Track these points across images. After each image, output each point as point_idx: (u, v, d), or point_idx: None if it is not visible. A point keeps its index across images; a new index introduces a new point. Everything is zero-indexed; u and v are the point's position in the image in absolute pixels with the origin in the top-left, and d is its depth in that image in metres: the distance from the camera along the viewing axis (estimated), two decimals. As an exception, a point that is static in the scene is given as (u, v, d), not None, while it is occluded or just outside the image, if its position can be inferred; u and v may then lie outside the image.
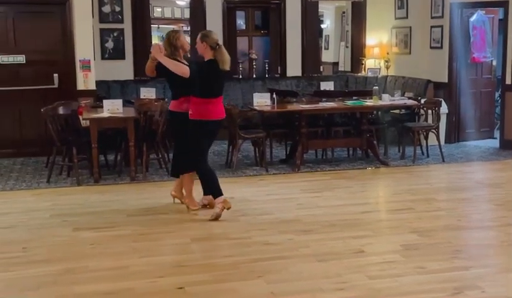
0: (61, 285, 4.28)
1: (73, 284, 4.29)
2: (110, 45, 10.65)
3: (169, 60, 5.90)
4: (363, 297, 4.02)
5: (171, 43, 6.02)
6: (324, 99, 8.97)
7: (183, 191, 6.34)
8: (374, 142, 8.59)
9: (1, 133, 8.79)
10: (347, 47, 13.39)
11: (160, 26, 15.43)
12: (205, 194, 6.27)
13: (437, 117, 8.73)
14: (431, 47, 10.29)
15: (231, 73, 11.51)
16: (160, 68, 5.96)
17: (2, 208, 6.19)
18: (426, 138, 8.94)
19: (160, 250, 5.07)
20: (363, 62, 12.23)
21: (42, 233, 5.49)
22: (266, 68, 12.10)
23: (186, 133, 6.00)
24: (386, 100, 8.64)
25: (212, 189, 6.08)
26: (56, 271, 4.53)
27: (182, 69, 5.87)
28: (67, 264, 4.69)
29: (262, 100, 8.43)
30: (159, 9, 15.14)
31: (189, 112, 5.93)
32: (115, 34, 10.66)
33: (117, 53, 10.63)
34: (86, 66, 8.70)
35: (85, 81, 8.58)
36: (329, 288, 4.11)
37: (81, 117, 7.47)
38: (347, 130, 8.90)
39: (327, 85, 10.41)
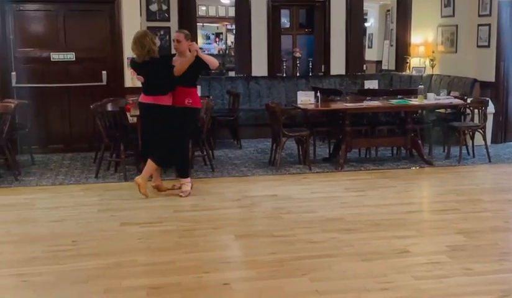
0: (110, 279, 4.37)
1: (121, 278, 4.37)
2: (156, 42, 10.78)
3: (205, 55, 6.85)
4: (408, 297, 4.00)
5: (155, 43, 6.62)
6: (368, 98, 8.92)
7: (144, 176, 6.68)
8: (419, 141, 8.51)
9: (51, 129, 9.01)
10: (391, 45, 13.30)
11: (205, 24, 15.57)
12: (182, 176, 6.82)
13: (484, 117, 8.61)
14: (478, 46, 10.13)
15: (275, 71, 11.68)
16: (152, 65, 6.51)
17: (52, 202, 6.35)
18: (472, 138, 8.82)
19: (205, 246, 5.12)
20: (408, 60, 12.14)
21: (91, 227, 5.61)
22: (310, 66, 12.12)
23: (173, 124, 6.58)
24: (431, 99, 8.55)
25: (188, 171, 6.90)
26: (105, 265, 4.62)
27: (215, 62, 6.75)
28: (115, 258, 4.78)
29: (306, 99, 8.43)
30: (203, 8, 15.28)
31: (189, 101, 6.58)
32: (161, 32, 10.83)
33: (164, 51, 10.74)
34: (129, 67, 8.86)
35: (132, 79, 8.68)
36: (373, 288, 4.11)
37: (128, 114, 7.59)
38: (391, 129, 8.84)
39: (371, 84, 10.35)
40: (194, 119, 6.86)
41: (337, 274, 4.39)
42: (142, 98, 6.62)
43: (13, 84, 8.75)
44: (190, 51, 6.46)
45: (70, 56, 8.86)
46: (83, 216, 5.98)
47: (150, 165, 6.59)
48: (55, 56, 8.85)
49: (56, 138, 8.99)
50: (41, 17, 8.91)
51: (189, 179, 6.80)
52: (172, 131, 6.59)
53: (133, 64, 6.78)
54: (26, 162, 8.30)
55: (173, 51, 7.21)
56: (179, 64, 6.46)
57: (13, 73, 8.77)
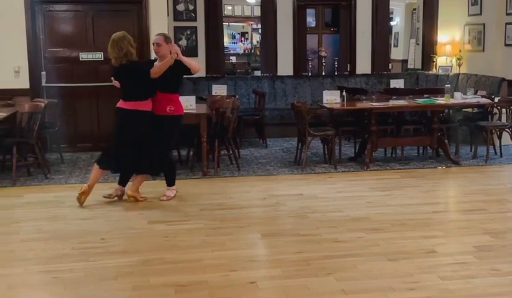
0: (138, 276, 4.42)
1: (149, 275, 4.42)
2: (183, 42, 10.91)
3: (187, 58, 6.50)
4: (435, 297, 4.00)
5: (133, 46, 6.38)
6: (394, 97, 8.91)
7: (131, 188, 6.53)
8: (446, 141, 8.47)
9: (80, 127, 9.14)
10: (417, 44, 13.22)
11: (230, 24, 15.65)
12: (169, 184, 6.68)
13: (511, 116, 8.54)
14: (506, 44, 10.05)
15: (300, 71, 11.70)
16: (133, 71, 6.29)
17: (86, 201, 6.44)
18: (500, 137, 8.75)
19: (232, 244, 5.16)
20: (434, 59, 12.06)
21: (119, 225, 5.70)
22: (336, 66, 12.10)
23: (154, 132, 6.35)
24: (458, 98, 8.50)
25: (174, 179, 6.71)
26: (133, 262, 4.68)
27: (197, 66, 6.50)
28: (143, 255, 4.84)
29: (332, 98, 8.45)
30: (229, 7, 15.35)
31: (170, 109, 6.36)
32: (188, 32, 10.92)
33: (190, 51, 10.87)
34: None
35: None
36: (400, 287, 4.11)
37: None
38: (417, 129, 8.80)
39: (397, 83, 10.32)
40: (177, 127, 6.55)
41: (362, 274, 4.40)
42: (120, 103, 6.35)
43: (43, 83, 8.90)
44: (170, 53, 6.22)
45: (99, 56, 8.97)
46: (111, 214, 6.07)
47: (143, 177, 6.55)
48: (84, 56, 8.98)
49: (85, 136, 9.12)
50: (70, 18, 9.04)
51: (175, 187, 6.68)
52: (154, 139, 6.37)
53: (113, 68, 6.49)
54: (55, 160, 8.45)
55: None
56: (157, 67, 6.24)
57: (43, 73, 8.92)
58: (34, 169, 7.77)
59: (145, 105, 6.29)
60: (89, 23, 8.98)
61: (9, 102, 7.90)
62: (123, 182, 6.62)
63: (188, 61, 6.41)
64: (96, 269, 4.57)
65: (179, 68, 6.28)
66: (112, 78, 6.50)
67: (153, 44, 6.47)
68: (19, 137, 7.42)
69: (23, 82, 8.63)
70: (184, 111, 7.52)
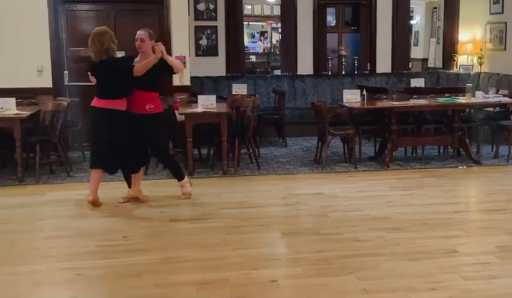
0: (160, 274, 4.45)
1: (171, 273, 4.46)
2: (204, 42, 10.97)
3: (171, 57, 6.49)
4: (457, 297, 3.99)
5: (114, 41, 6.19)
6: (414, 96, 8.88)
7: (132, 188, 6.44)
8: (467, 140, 8.42)
9: (102, 126, 9.19)
10: (438, 43, 13.15)
11: (250, 23, 15.67)
12: (178, 179, 6.56)
13: (534, 116, 8.48)
14: (528, 43, 9.97)
15: (320, 70, 11.69)
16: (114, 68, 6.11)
17: (104, 198, 6.44)
18: (521, 137, 8.67)
19: (252, 243, 5.18)
20: (455, 58, 11.99)
21: (141, 223, 5.75)
22: (356, 65, 12.08)
23: (131, 132, 6.18)
24: (479, 97, 8.45)
25: (181, 172, 6.61)
26: (155, 260, 4.72)
27: (180, 65, 6.49)
28: (165, 253, 4.88)
29: (352, 97, 8.44)
30: (249, 6, 15.38)
31: (150, 107, 6.19)
32: (208, 31, 10.97)
33: (211, 50, 10.94)
34: (182, 62, 8.97)
35: (180, 77, 8.84)
36: (421, 287, 4.10)
37: (176, 112, 7.73)
38: (438, 128, 8.75)
39: (418, 82, 10.27)
40: (159, 125, 6.35)
41: (384, 273, 4.39)
42: (96, 102, 6.12)
43: (66, 82, 8.99)
44: (155, 51, 6.10)
45: (120, 55, 9.02)
46: (133, 212, 6.13)
47: (137, 176, 6.43)
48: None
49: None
50: (92, 17, 9.13)
51: (186, 179, 6.59)
52: (138, 139, 6.23)
53: (90, 63, 6.32)
54: (77, 159, 8.54)
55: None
56: (141, 65, 6.06)
57: (66, 72, 9.01)
58: (57, 167, 7.86)
59: (121, 105, 6.08)
60: (110, 22, 9.01)
61: (32, 100, 8.00)
62: (129, 184, 6.52)
63: (172, 59, 6.34)
64: (118, 267, 4.62)
65: (161, 67, 6.16)
66: (89, 73, 6.28)
67: (137, 39, 6.25)
68: (42, 135, 7.52)
69: (46, 81, 8.74)
70: (204, 110, 7.63)
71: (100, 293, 4.18)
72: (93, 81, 6.21)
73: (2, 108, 7.45)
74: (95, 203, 6.19)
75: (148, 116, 6.19)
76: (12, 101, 7.48)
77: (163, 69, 6.22)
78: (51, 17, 8.73)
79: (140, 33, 6.26)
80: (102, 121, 6.09)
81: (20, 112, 7.37)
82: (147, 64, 6.04)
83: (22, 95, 7.99)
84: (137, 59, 6.26)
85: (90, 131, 6.34)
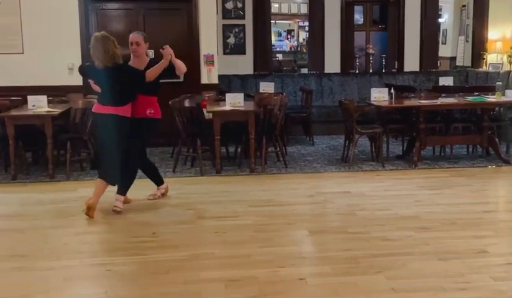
0: (189, 270, 4.48)
1: (200, 270, 4.49)
2: (231, 40, 11.03)
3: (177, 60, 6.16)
4: (487, 298, 3.97)
5: (117, 47, 5.93)
6: (443, 95, 8.81)
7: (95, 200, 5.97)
8: (496, 139, 8.34)
9: (131, 124, 9.29)
10: (466, 41, 13.02)
11: (277, 21, 15.68)
12: (120, 192, 6.14)
13: None
14: (559, 41, 9.82)
15: (348, 68, 11.66)
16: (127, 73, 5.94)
17: (133, 194, 6.48)
18: (552, 136, 8.58)
19: (280, 241, 5.19)
20: (485, 57, 11.86)
21: (170, 220, 5.79)
22: (383, 63, 12.03)
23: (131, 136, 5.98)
24: (509, 96, 8.37)
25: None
26: (184, 257, 4.76)
27: (184, 68, 6.26)
28: (193, 250, 4.92)
29: (380, 95, 8.42)
30: (276, 5, 15.39)
31: (150, 112, 6.08)
32: (236, 30, 11.02)
33: (238, 48, 11.00)
34: (210, 60, 9.06)
35: (208, 75, 8.92)
36: (451, 287, 4.08)
37: (204, 110, 7.78)
38: (467, 127, 8.69)
39: (446, 81, 10.20)
40: (154, 131, 6.27)
41: (413, 273, 4.37)
42: (100, 108, 5.91)
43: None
44: (163, 55, 5.96)
45: (150, 53, 9.09)
46: (162, 209, 6.18)
47: (102, 184, 5.96)
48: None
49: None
50: (122, 16, 9.24)
51: (124, 197, 6.15)
52: (129, 144, 6.01)
53: (88, 70, 6.12)
54: (107, 156, 8.62)
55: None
56: (153, 70, 5.95)
57: (96, 70, 9.11)
58: (87, 165, 7.96)
59: (127, 111, 5.92)
60: (140, 21, 9.15)
61: (63, 98, 8.11)
62: (156, 181, 6.49)
63: (178, 62, 6.13)
64: (148, 263, 4.66)
65: (165, 70, 6.05)
66: (91, 81, 6.10)
67: (131, 43, 6.09)
68: (73, 133, 7.63)
69: (77, 79, 8.82)
70: (232, 108, 7.67)
71: (130, 289, 4.22)
72: (97, 89, 6.00)
73: (34, 105, 7.59)
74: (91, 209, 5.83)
75: (147, 120, 6.07)
76: (43, 99, 7.61)
77: (166, 72, 6.10)
78: (81, 15, 8.86)
79: (136, 37, 6.13)
80: (105, 127, 5.89)
81: (52, 110, 7.50)
82: (159, 68, 5.96)
83: (53, 93, 8.11)
84: (130, 63, 6.15)
85: (99, 139, 6.14)
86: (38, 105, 7.57)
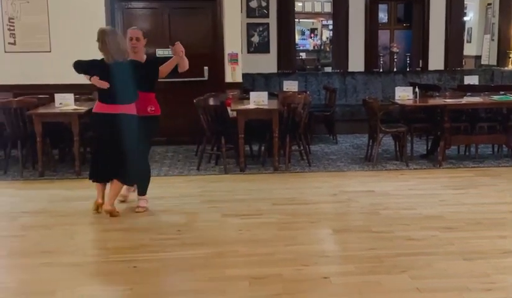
0: (213, 268, 4.51)
1: (224, 267, 4.52)
2: (255, 39, 11.06)
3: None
4: (512, 298, 3.94)
5: (125, 42, 5.78)
6: (468, 94, 8.75)
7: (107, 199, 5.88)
8: (522, 139, 8.27)
9: (155, 122, 9.36)
10: (492, 40, 12.90)
11: (300, 20, 15.67)
12: (140, 193, 6.09)
13: None
14: None
15: (372, 67, 11.62)
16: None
17: (158, 192, 6.61)
18: None
19: (304, 239, 5.21)
20: (511, 55, 11.74)
21: (194, 218, 5.84)
22: (408, 62, 11.97)
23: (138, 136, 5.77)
24: (536, 95, 8.28)
25: (147, 187, 6.14)
26: (208, 254, 4.79)
27: (187, 64, 5.97)
28: (217, 247, 4.95)
29: (404, 94, 8.38)
30: (300, 4, 15.38)
31: (151, 109, 5.92)
32: (260, 28, 11.04)
33: (262, 47, 11.03)
34: (234, 59, 9.09)
35: (232, 74, 8.95)
36: (476, 288, 4.06)
37: (229, 108, 7.82)
38: (492, 126, 8.60)
39: (471, 80, 10.11)
40: (157, 129, 6.14)
41: (437, 273, 4.36)
42: (106, 108, 5.65)
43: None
44: (174, 51, 5.77)
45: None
46: (187, 206, 6.22)
47: (117, 186, 5.83)
48: (160, 53, 9.16)
49: (160, 131, 9.25)
50: (147, 15, 9.33)
51: (147, 196, 6.13)
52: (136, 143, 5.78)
53: (92, 66, 5.75)
54: (132, 153, 8.70)
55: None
56: (166, 66, 5.83)
57: (121, 68, 9.20)
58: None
59: (134, 109, 5.72)
60: (165, 20, 9.22)
61: (90, 96, 8.18)
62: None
63: (185, 60, 5.91)
64: (173, 260, 4.70)
65: (157, 67, 5.90)
66: (95, 78, 5.68)
67: (131, 38, 5.88)
68: (99, 130, 7.69)
69: (103, 78, 8.95)
70: (256, 107, 7.70)
71: (155, 285, 4.25)
72: (104, 85, 5.63)
73: (61, 103, 7.69)
74: (112, 213, 5.83)
75: (148, 118, 5.90)
76: (70, 97, 7.71)
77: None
78: (107, 14, 8.94)
79: (136, 32, 5.96)
80: (114, 127, 5.63)
81: (78, 108, 7.59)
82: (171, 65, 5.85)
83: (80, 91, 8.19)
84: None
85: (111, 141, 5.71)
86: (65, 103, 7.67)
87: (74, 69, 5.85)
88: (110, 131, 5.65)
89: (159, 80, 6.06)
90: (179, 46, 5.77)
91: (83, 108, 7.50)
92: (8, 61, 8.92)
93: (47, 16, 8.82)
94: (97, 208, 5.90)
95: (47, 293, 4.11)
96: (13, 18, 8.89)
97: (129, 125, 5.66)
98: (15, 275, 4.50)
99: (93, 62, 5.77)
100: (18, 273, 4.53)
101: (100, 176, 5.85)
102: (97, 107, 5.73)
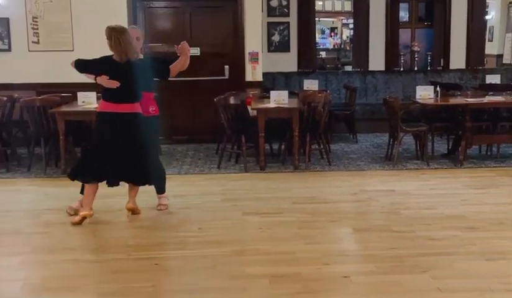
0: (234, 266, 4.54)
1: (244, 265, 4.53)
2: (276, 37, 11.07)
3: None
4: (535, 299, 3.92)
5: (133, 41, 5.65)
6: (490, 93, 8.68)
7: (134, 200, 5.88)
8: (545, 139, 8.19)
9: (177, 121, 9.38)
10: (515, 39, 12.79)
11: (320, 19, 15.63)
12: (159, 191, 6.09)
13: None
14: None
15: (392, 65, 11.58)
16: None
17: (179, 190, 6.66)
18: None
19: (325, 238, 5.22)
20: (533, 54, 11.64)
21: (215, 216, 5.85)
22: (429, 60, 11.90)
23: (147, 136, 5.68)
24: (559, 95, 8.20)
25: (165, 185, 6.12)
26: (229, 252, 4.81)
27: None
28: (238, 246, 4.97)
29: (425, 93, 8.36)
30: (320, 2, 15.34)
31: (152, 109, 5.85)
32: (281, 27, 11.06)
33: (283, 46, 11.04)
34: (255, 58, 9.11)
35: (253, 73, 8.97)
36: (498, 288, 4.04)
37: (249, 107, 7.84)
38: (515, 126, 8.55)
39: (493, 79, 10.04)
40: (159, 129, 6.05)
41: (459, 273, 4.34)
42: (113, 107, 5.50)
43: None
44: (180, 50, 5.70)
45: (195, 51, 9.18)
46: (207, 204, 6.24)
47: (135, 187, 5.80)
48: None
49: (181, 129, 9.40)
50: (169, 14, 9.40)
51: (165, 193, 6.15)
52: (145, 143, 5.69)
53: (101, 64, 5.59)
54: (155, 151, 8.75)
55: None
56: (176, 65, 5.76)
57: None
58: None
59: (139, 107, 5.65)
60: (186, 19, 9.28)
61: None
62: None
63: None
64: (194, 258, 4.73)
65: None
66: (104, 77, 5.51)
67: (135, 38, 5.74)
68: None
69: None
70: (276, 105, 7.71)
71: (177, 283, 4.29)
72: (114, 85, 5.49)
73: (83, 102, 7.77)
74: (135, 211, 5.85)
75: (150, 119, 5.81)
76: (92, 95, 7.76)
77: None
78: (130, 13, 9.01)
79: (136, 31, 5.92)
80: (123, 127, 5.54)
81: (100, 106, 7.65)
82: (180, 64, 5.77)
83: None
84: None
85: (123, 141, 5.56)
86: (88, 101, 7.74)
87: (76, 69, 5.71)
88: (123, 131, 5.53)
89: (171, 79, 6.04)
90: (185, 46, 5.71)
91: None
92: (32, 60, 9.03)
93: (70, 15, 8.91)
94: (82, 220, 5.54)
95: (70, 289, 4.16)
96: (37, 18, 9.00)
97: (140, 124, 5.60)
98: (39, 272, 4.55)
99: (98, 60, 5.63)
100: (42, 269, 4.59)
101: (109, 178, 5.57)
102: (105, 106, 5.56)
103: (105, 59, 5.59)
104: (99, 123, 5.67)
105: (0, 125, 7.65)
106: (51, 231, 5.47)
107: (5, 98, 7.76)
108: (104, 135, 5.58)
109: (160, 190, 6.12)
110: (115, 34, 5.43)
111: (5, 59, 9.09)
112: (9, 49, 9.14)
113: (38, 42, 9.03)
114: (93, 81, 5.64)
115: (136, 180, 5.70)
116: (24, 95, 7.98)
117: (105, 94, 5.61)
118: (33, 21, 9.01)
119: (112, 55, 5.56)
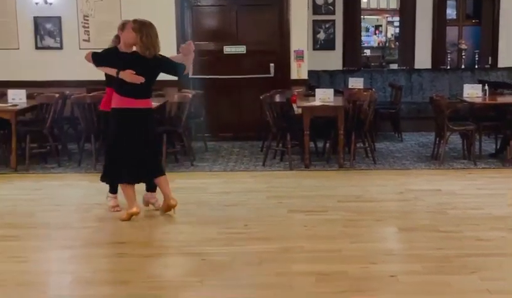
0: (280, 263, 4.57)
1: (291, 262, 4.56)
2: (321, 35, 11.07)
3: None
4: None
5: None
6: (540, 92, 8.53)
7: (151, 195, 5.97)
8: None
9: (222, 118, 9.49)
10: None
11: (365, 17, 15.52)
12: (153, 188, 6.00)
13: None
14: None
15: (439, 64, 11.45)
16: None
17: (225, 187, 6.74)
18: None
19: (370, 237, 5.21)
20: None
21: (260, 213, 5.90)
22: (476, 59, 11.72)
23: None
24: None
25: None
26: (275, 249, 4.84)
27: None
28: (284, 243, 5.00)
29: (473, 92, 8.26)
30: (365, 0, 15.25)
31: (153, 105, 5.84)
32: (326, 25, 11.05)
33: (328, 44, 11.02)
34: (300, 56, 9.13)
35: (298, 71, 9.00)
36: (548, 290, 4.01)
37: (294, 105, 7.87)
38: None
39: (544, 77, 9.85)
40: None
41: (508, 274, 4.30)
42: (134, 103, 5.43)
43: (190, 75, 9.36)
44: (184, 51, 5.71)
45: (241, 49, 9.29)
46: (253, 202, 6.28)
47: (165, 180, 5.73)
48: (228, 49, 9.33)
49: (227, 126, 9.47)
50: (215, 12, 9.49)
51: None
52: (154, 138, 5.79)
53: (128, 59, 5.47)
54: (200, 149, 8.83)
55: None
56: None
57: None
58: (181, 157, 8.19)
59: (150, 103, 5.70)
60: (233, 17, 9.34)
61: (160, 92, 8.38)
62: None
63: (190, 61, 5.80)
64: (240, 254, 4.78)
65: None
66: (130, 71, 5.37)
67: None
68: (169, 126, 7.88)
69: (172, 74, 9.14)
70: (322, 103, 7.73)
71: (224, 279, 4.34)
72: (139, 80, 5.39)
73: (13, 99, 7.89)
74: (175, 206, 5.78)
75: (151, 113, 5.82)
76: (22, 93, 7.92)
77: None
78: (177, 12, 9.13)
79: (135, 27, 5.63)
80: (141, 123, 5.54)
81: (149, 103, 7.78)
82: (189, 62, 5.71)
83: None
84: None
85: (146, 137, 5.58)
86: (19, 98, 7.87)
87: (92, 62, 5.59)
88: (140, 127, 5.50)
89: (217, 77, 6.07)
90: (191, 45, 5.68)
91: (154, 104, 7.66)
92: (83, 58, 9.16)
93: (119, 14, 9.06)
94: (130, 217, 5.60)
95: (121, 283, 4.25)
96: (87, 16, 9.20)
97: (153, 119, 5.73)
98: (90, 265, 4.67)
99: (119, 55, 5.57)
100: (93, 263, 4.70)
101: (143, 177, 5.67)
102: (124, 102, 5.42)
103: (124, 54, 5.52)
104: (120, 120, 5.48)
105: (52, 121, 7.83)
106: (101, 226, 5.61)
107: (57, 95, 7.94)
108: (126, 133, 5.49)
109: (154, 188, 5.97)
110: (146, 29, 5.34)
111: (57, 57, 9.32)
112: (61, 47, 9.36)
113: (88, 40, 9.22)
114: (113, 74, 5.45)
115: (154, 175, 5.69)
116: (75, 92, 8.16)
117: (124, 89, 5.41)
118: (84, 20, 9.21)
119: (117, 48, 5.59)
